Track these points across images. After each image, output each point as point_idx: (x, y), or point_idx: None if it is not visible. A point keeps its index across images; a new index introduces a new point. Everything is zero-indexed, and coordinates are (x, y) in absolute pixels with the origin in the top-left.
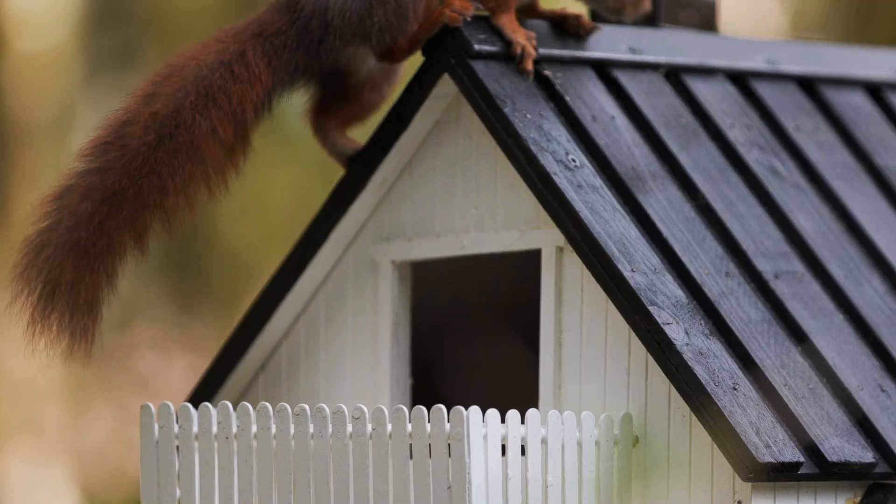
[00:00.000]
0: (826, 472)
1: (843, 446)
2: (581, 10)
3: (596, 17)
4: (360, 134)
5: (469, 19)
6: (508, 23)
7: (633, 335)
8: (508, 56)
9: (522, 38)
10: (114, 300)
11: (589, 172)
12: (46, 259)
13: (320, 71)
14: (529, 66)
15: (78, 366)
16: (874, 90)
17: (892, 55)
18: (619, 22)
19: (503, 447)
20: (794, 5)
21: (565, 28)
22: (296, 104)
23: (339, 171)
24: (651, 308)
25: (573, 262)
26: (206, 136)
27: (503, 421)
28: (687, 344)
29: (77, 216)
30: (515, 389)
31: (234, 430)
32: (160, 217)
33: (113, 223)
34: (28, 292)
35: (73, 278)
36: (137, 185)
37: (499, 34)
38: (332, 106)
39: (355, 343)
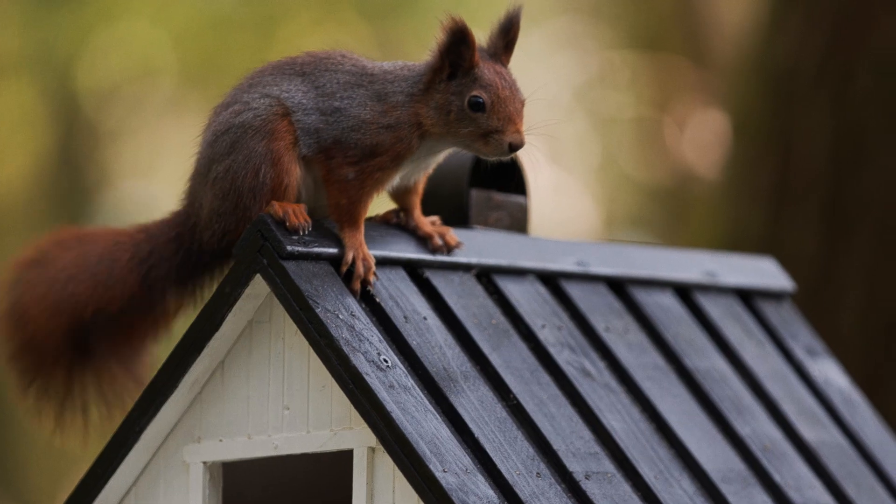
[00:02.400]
0: None
1: None
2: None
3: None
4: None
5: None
6: (349, 237)
7: None
8: (320, 256)
9: (359, 257)
10: None
11: (401, 373)
12: None
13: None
14: (356, 286)
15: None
16: (683, 292)
17: (701, 257)
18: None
19: None
20: (606, 207)
21: (431, 247)
22: None
23: (151, 371)
24: None
25: (385, 463)
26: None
27: None
28: None
29: None
30: None
31: None
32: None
33: None
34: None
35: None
36: None
37: (318, 236)
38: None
39: None
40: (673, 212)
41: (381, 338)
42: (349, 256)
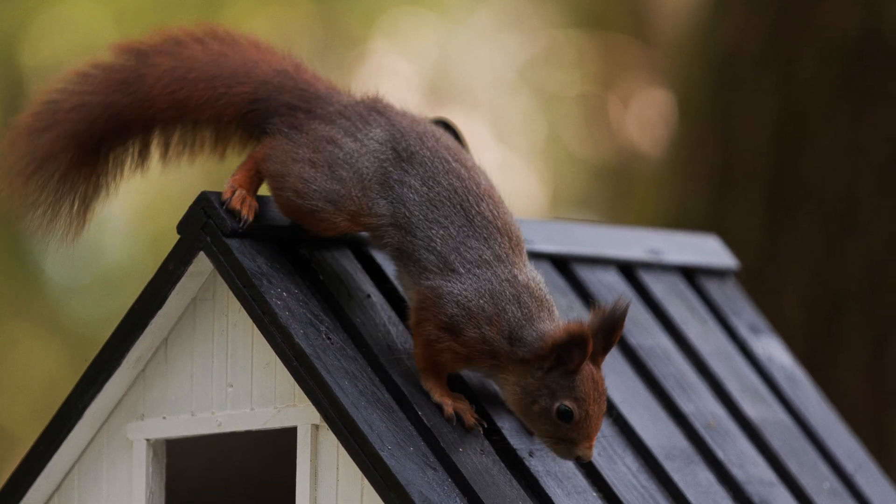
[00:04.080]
0: None
1: None
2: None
3: None
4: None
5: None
6: (434, 387)
7: None
8: (264, 233)
9: (449, 400)
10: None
11: (345, 350)
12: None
13: None
14: (471, 420)
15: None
16: (627, 270)
17: (645, 235)
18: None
19: None
20: (552, 185)
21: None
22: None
23: (94, 348)
24: (406, 485)
25: (329, 440)
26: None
27: None
28: None
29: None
30: None
31: None
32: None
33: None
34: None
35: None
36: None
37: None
38: None
39: None
40: (618, 190)
41: (325, 315)
42: (445, 403)
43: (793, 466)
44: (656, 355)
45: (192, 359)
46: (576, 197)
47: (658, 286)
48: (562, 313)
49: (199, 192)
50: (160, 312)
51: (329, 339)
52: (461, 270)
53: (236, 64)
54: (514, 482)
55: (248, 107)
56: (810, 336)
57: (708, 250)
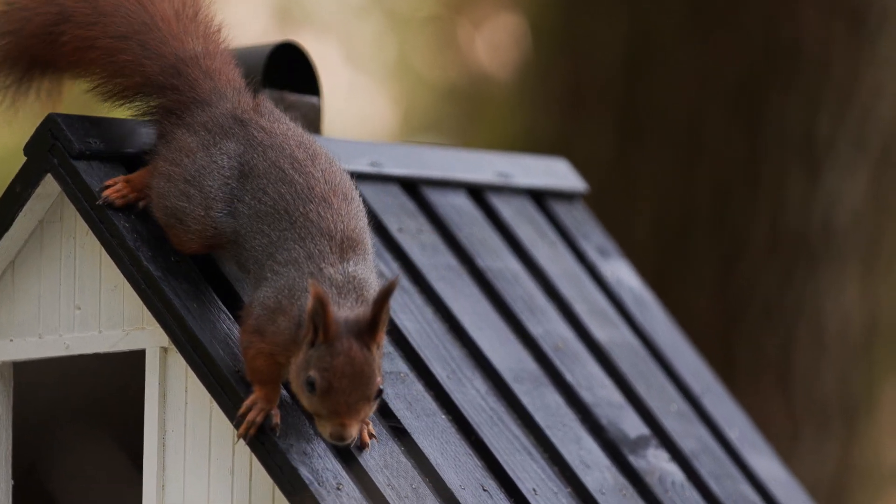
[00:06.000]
0: None
1: None
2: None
3: None
4: None
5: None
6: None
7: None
8: (112, 156)
9: (257, 406)
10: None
11: (193, 273)
12: None
13: None
14: (242, 431)
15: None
16: (477, 192)
17: (494, 158)
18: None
19: None
20: (402, 108)
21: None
22: None
23: None
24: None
25: (177, 363)
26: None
27: None
28: (291, 444)
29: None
30: (121, 489)
31: None
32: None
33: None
34: None
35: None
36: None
37: (101, 135)
38: None
39: None
40: (468, 113)
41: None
42: (248, 405)
43: (641, 389)
44: (505, 278)
45: (39, 281)
46: (426, 120)
47: (507, 209)
48: (411, 236)
49: (46, 114)
50: (7, 235)
51: (178, 263)
52: (269, 276)
53: (139, 45)
54: None
55: (133, 94)
56: (659, 258)
57: (557, 173)
